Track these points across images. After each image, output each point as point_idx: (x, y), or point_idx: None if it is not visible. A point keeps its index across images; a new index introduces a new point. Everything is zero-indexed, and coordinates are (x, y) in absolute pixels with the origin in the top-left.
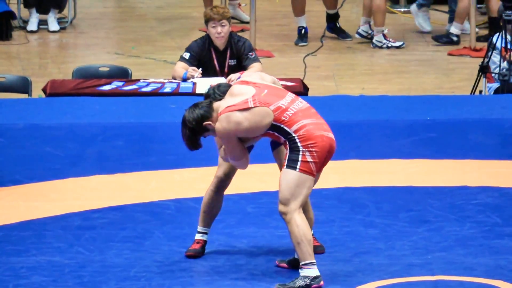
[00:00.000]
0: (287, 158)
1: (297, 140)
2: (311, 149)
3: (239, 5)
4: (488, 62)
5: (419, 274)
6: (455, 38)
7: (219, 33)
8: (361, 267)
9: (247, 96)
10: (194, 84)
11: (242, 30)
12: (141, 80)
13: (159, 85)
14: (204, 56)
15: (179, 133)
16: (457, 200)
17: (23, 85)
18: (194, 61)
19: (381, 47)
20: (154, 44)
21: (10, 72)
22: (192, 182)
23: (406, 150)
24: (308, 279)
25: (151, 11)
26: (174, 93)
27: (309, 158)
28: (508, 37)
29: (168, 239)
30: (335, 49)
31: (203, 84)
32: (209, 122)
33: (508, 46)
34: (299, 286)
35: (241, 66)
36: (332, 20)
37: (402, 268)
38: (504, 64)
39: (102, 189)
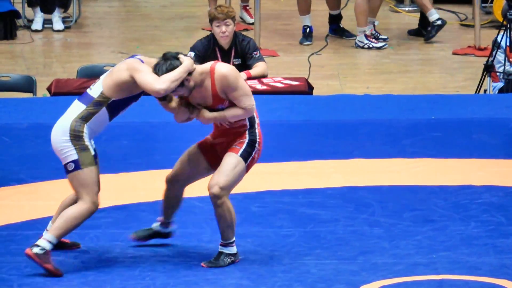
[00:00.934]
0: (243, 147)
1: (257, 136)
2: (259, 151)
3: (246, 7)
4: (493, 61)
5: (424, 274)
6: (439, 22)
7: (224, 32)
8: (365, 266)
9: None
10: None
11: (245, 30)
12: None
13: None
14: (209, 56)
15: (183, 132)
16: (462, 200)
17: (28, 85)
18: (198, 60)
19: (362, 47)
20: (158, 43)
21: (14, 71)
22: (196, 181)
23: (411, 150)
24: (233, 256)
25: (155, 10)
26: None
27: (256, 158)
28: None
29: (172, 238)
30: (339, 48)
31: None
32: (189, 78)
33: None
34: (227, 262)
35: (245, 65)
36: (334, 21)
37: (407, 267)
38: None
39: (107, 189)
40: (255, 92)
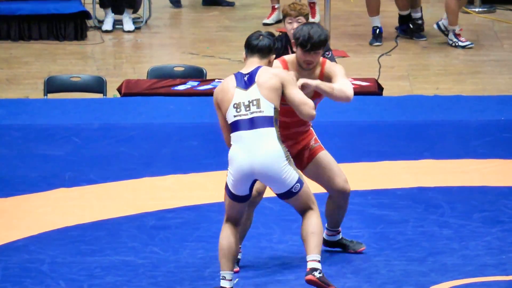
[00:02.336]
0: (319, 142)
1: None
2: None
3: (311, 4)
4: None
5: (493, 274)
6: (419, 22)
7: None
8: (435, 267)
9: None
10: None
11: None
12: (216, 80)
13: None
14: (282, 54)
15: None
16: None
17: (98, 85)
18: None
19: (451, 45)
20: (228, 44)
21: (85, 72)
22: None
23: (480, 151)
24: None
25: (225, 11)
26: None
27: None
28: None
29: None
30: (409, 49)
31: None
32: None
33: None
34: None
35: None
36: (404, 21)
37: (476, 268)
38: None
39: (177, 189)
40: None
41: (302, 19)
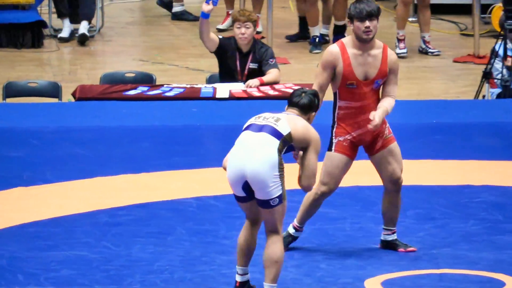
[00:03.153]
0: (391, 131)
1: None
2: None
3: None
4: (491, 68)
5: (425, 268)
6: (316, 39)
7: (243, 33)
8: (371, 261)
9: None
10: (215, 89)
11: (263, 37)
12: (165, 85)
13: (181, 90)
14: (229, 56)
15: (200, 135)
16: (462, 199)
17: (54, 90)
18: (219, 44)
19: (421, 52)
20: (177, 51)
21: (42, 78)
22: (212, 181)
23: (414, 152)
24: None
25: (175, 21)
26: (196, 98)
27: None
28: (510, 44)
29: (189, 235)
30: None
31: (223, 89)
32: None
33: (510, 54)
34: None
35: (260, 71)
36: (340, 31)
37: (410, 262)
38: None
39: (128, 188)
40: (267, 98)
41: (250, 25)
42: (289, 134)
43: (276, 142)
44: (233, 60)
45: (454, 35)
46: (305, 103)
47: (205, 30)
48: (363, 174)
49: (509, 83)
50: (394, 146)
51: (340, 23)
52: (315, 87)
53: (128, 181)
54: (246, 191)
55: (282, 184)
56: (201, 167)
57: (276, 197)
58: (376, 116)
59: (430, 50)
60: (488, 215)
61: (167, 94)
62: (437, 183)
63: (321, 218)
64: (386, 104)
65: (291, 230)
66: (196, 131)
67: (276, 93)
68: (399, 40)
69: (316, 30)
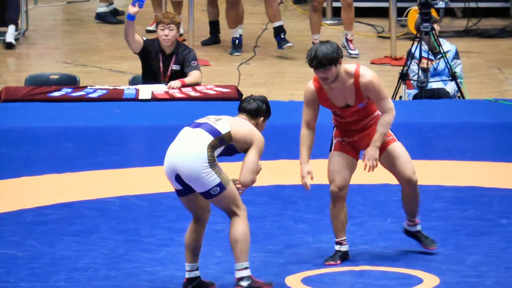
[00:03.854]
0: (391, 134)
1: None
2: None
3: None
4: (407, 70)
5: (345, 265)
6: (282, 34)
7: (166, 35)
8: (291, 258)
9: None
10: (137, 90)
11: (184, 40)
12: (88, 87)
13: (105, 91)
14: (153, 58)
15: (123, 135)
16: (380, 197)
17: None
18: (143, 46)
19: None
20: (100, 54)
21: None
22: (135, 180)
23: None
24: None
25: (98, 24)
26: (119, 99)
27: None
28: (425, 46)
29: (113, 233)
30: (267, 59)
31: (146, 90)
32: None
33: (425, 55)
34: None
35: (183, 72)
36: (278, 33)
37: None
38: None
39: (53, 187)
40: (189, 99)
41: (173, 27)
42: (228, 133)
43: (209, 138)
44: (157, 62)
45: (371, 38)
46: (252, 108)
47: (130, 32)
48: (281, 173)
49: (425, 84)
50: (393, 146)
51: (276, 24)
52: (303, 124)
53: (53, 181)
54: (181, 184)
55: (217, 173)
56: (124, 167)
57: (215, 186)
58: (367, 156)
59: (349, 51)
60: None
61: (91, 95)
62: (355, 182)
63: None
64: (381, 129)
65: (336, 246)
66: (119, 132)
67: (198, 94)
68: (348, 41)
69: (236, 32)
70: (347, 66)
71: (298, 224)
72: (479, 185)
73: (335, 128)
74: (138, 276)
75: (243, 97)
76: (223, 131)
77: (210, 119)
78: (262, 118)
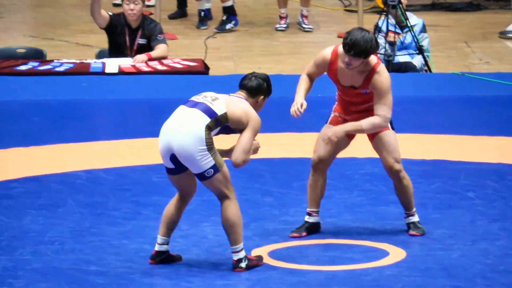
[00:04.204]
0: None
1: None
2: None
3: None
4: None
5: (311, 238)
6: (202, 13)
7: (132, 9)
8: (258, 231)
9: None
10: (104, 64)
11: (151, 14)
12: (55, 61)
13: (71, 65)
14: (119, 33)
15: (90, 109)
16: (346, 170)
17: None
18: (110, 21)
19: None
20: (67, 27)
21: None
22: (102, 154)
23: (299, 125)
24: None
25: None
26: (86, 73)
27: None
28: (392, 20)
29: (79, 207)
30: (234, 32)
31: (112, 64)
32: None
33: (392, 29)
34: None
35: (149, 46)
36: (230, 13)
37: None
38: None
39: (20, 161)
40: (156, 72)
41: (139, 1)
42: (225, 114)
43: (206, 120)
44: (123, 36)
45: (339, 11)
46: (253, 86)
47: (96, 7)
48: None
49: (392, 58)
50: (383, 135)
51: (227, 4)
52: (304, 72)
53: (19, 155)
54: (175, 163)
55: (213, 156)
56: (91, 140)
57: (210, 168)
58: (332, 130)
59: (303, 25)
60: (372, 187)
61: (58, 69)
62: None
63: (208, 190)
64: (364, 121)
65: (306, 217)
66: (86, 106)
67: (165, 68)
68: (281, 18)
69: (202, 5)
70: (371, 57)
71: (265, 198)
72: (445, 158)
73: (335, 103)
74: (104, 250)
75: (209, 71)
76: (219, 112)
77: (207, 99)
78: (262, 97)
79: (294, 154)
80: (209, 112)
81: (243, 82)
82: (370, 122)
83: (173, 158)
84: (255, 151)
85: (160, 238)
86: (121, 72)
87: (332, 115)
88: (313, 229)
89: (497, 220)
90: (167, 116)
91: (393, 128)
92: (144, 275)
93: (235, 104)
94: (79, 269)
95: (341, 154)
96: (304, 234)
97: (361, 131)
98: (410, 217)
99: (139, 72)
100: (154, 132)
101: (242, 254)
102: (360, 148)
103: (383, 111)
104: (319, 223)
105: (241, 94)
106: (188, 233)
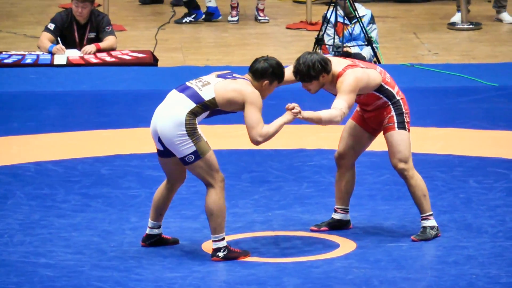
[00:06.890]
0: (395, 121)
1: (401, 103)
2: (408, 113)
3: None
4: (323, 35)
5: (261, 230)
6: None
7: (80, 12)
8: (207, 224)
9: (352, 62)
10: (52, 55)
11: (99, 5)
12: (3, 53)
13: (19, 57)
14: (66, 29)
15: (38, 101)
16: (295, 162)
17: None
18: (58, 32)
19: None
20: (14, 19)
21: None
22: (51, 146)
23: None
24: (435, 228)
25: None
26: (34, 64)
27: (409, 120)
28: (340, 11)
29: (28, 199)
30: (182, 24)
31: (61, 56)
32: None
33: (341, 20)
34: (432, 235)
35: (98, 39)
36: (193, 7)
37: (245, 224)
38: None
39: None
40: (105, 64)
41: (87, 5)
42: (213, 99)
43: (190, 105)
44: (72, 33)
45: (287, 3)
46: (258, 68)
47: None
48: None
49: (340, 49)
50: (390, 135)
51: None
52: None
53: None
54: (163, 146)
55: (194, 141)
56: (39, 132)
57: (190, 154)
58: (299, 108)
59: (259, 18)
60: (321, 178)
61: (6, 61)
62: (271, 147)
63: (157, 182)
64: (321, 114)
65: (335, 216)
66: (35, 98)
67: (113, 59)
68: (232, 7)
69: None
70: (335, 68)
71: None
72: None
73: None
74: (53, 242)
75: (158, 62)
76: (206, 97)
77: (197, 84)
78: (267, 81)
79: (243, 146)
80: (195, 97)
81: (252, 64)
82: (328, 114)
83: (160, 140)
84: (289, 121)
85: (150, 222)
86: (70, 64)
87: (357, 108)
88: (337, 226)
89: (446, 212)
90: (115, 108)
91: (405, 128)
92: (93, 267)
93: (224, 88)
94: (28, 261)
95: (290, 146)
96: (323, 228)
97: (317, 121)
98: (423, 221)
99: (88, 64)
100: (102, 124)
101: (221, 244)
102: (309, 140)
103: (340, 104)
104: (347, 220)
105: (248, 76)
106: (137, 225)
